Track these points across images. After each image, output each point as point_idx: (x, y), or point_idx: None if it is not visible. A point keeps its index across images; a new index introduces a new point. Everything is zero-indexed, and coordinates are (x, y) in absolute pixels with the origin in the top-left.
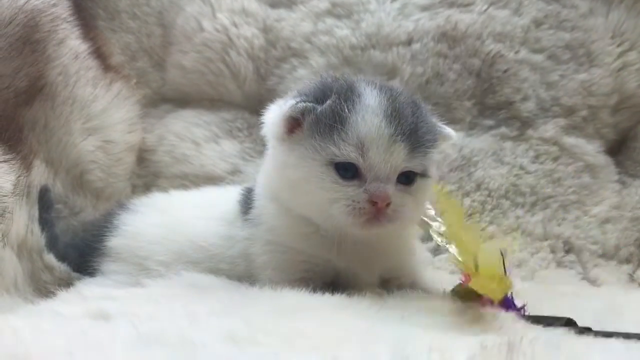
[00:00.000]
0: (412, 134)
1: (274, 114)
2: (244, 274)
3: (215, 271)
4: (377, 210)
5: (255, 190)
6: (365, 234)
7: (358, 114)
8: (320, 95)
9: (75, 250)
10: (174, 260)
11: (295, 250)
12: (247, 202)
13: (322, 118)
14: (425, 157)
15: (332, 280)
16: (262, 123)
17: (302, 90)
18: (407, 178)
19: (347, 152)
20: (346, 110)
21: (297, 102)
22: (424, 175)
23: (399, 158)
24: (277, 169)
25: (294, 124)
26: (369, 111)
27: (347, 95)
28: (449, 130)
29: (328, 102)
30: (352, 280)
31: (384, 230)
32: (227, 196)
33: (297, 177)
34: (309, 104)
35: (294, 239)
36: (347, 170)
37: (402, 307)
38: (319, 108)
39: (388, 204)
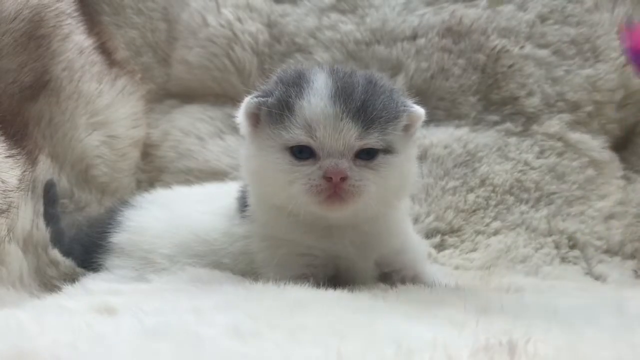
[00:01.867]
0: (362, 111)
1: (239, 113)
2: (246, 270)
3: (218, 265)
4: (334, 186)
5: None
6: (332, 213)
7: (304, 99)
8: (272, 88)
9: (80, 246)
10: (178, 254)
11: (290, 242)
12: (244, 199)
13: (273, 108)
14: (383, 133)
15: (333, 275)
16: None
17: (261, 87)
18: (368, 154)
19: (297, 135)
20: (293, 96)
21: (250, 99)
22: (388, 151)
23: (349, 135)
24: (243, 162)
25: (255, 119)
26: (315, 94)
27: (295, 83)
28: (415, 108)
29: (275, 92)
30: (350, 268)
31: (347, 208)
32: (228, 191)
33: (258, 166)
34: (260, 98)
35: (285, 230)
36: (302, 152)
37: (406, 302)
38: (269, 100)
39: (344, 179)
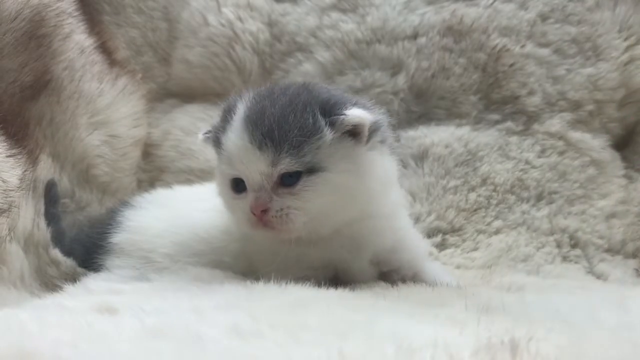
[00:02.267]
0: (269, 137)
1: None
2: (247, 270)
3: (219, 264)
4: (260, 219)
5: None
6: (278, 238)
7: (227, 132)
8: (221, 118)
9: (81, 246)
10: (178, 253)
11: (286, 250)
12: None
13: (212, 145)
14: (298, 154)
15: (333, 276)
16: None
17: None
18: (292, 177)
19: (226, 169)
20: (220, 131)
21: (200, 136)
22: (314, 171)
23: (261, 164)
24: None
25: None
26: (232, 127)
27: (224, 117)
28: (343, 116)
29: (215, 126)
30: (347, 270)
31: (284, 233)
32: None
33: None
34: (205, 135)
35: (276, 243)
36: (238, 185)
37: (407, 301)
38: (210, 136)
39: (265, 211)
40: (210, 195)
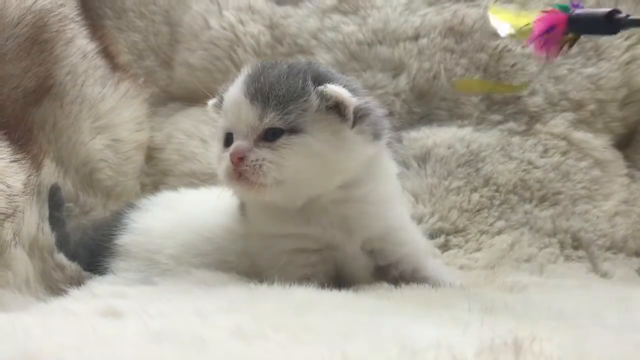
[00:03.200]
0: (260, 92)
1: None
2: (250, 270)
3: (223, 263)
4: (235, 167)
5: None
6: (248, 194)
7: (228, 91)
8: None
9: (86, 250)
10: (183, 253)
11: (280, 237)
12: None
13: (217, 107)
14: (283, 112)
15: (334, 276)
16: None
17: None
18: (274, 136)
19: (222, 123)
20: (225, 90)
21: (210, 102)
22: (294, 131)
23: (249, 116)
24: None
25: None
26: (234, 83)
27: (233, 81)
28: (328, 87)
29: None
30: (342, 259)
31: (254, 187)
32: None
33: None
34: (212, 101)
35: (270, 223)
36: (229, 140)
37: (410, 302)
38: (216, 101)
39: (241, 159)
40: (214, 197)
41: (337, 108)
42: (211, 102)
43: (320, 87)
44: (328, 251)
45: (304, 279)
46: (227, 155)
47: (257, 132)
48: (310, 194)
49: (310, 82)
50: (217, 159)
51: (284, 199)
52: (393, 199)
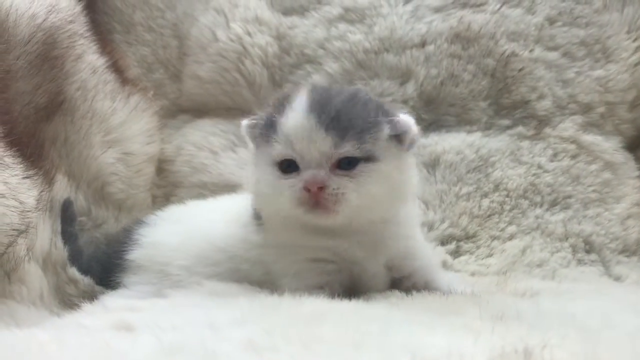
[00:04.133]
0: (336, 120)
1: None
2: (263, 279)
3: (236, 272)
4: (314, 196)
5: None
6: (321, 222)
7: (286, 116)
8: (265, 112)
9: (99, 264)
10: (195, 264)
11: (303, 248)
12: None
13: (263, 129)
14: (360, 141)
15: (349, 285)
16: None
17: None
18: (349, 164)
19: (279, 150)
20: (276, 116)
21: (244, 122)
22: (370, 160)
23: (325, 144)
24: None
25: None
26: (294, 111)
27: (280, 103)
28: (400, 117)
29: (263, 114)
30: (362, 274)
31: (332, 216)
32: (241, 200)
33: (254, 181)
34: (251, 121)
35: (296, 234)
36: (289, 167)
37: (422, 310)
38: (258, 122)
39: (321, 188)
40: (223, 207)
41: (398, 136)
42: (246, 122)
43: (394, 119)
44: (347, 264)
45: (318, 287)
46: (293, 182)
47: (332, 160)
48: (375, 218)
49: (380, 113)
50: (272, 185)
51: (347, 224)
52: (415, 215)
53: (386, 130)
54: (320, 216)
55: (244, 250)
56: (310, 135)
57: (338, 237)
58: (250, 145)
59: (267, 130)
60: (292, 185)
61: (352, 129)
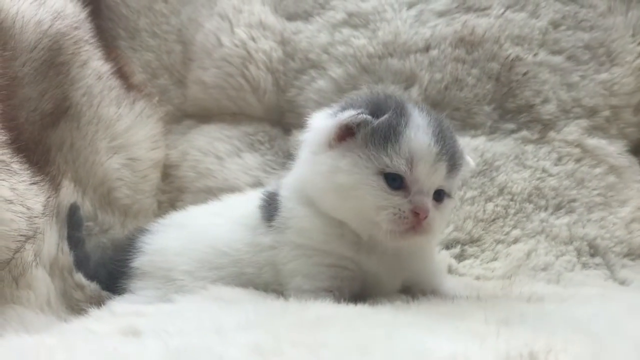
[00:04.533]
0: (452, 155)
1: (326, 121)
2: (270, 280)
3: (240, 275)
4: (416, 221)
5: (281, 194)
6: (400, 244)
7: (411, 130)
8: (375, 109)
9: (105, 270)
10: (198, 269)
11: (324, 253)
12: (270, 208)
13: (378, 130)
14: (456, 178)
15: (359, 291)
16: (299, 131)
17: (354, 102)
18: (438, 195)
19: (398, 164)
20: (400, 125)
21: (358, 113)
22: (448, 195)
23: (440, 175)
24: (324, 173)
25: (346, 133)
26: (420, 129)
27: (401, 112)
28: (469, 158)
29: (385, 116)
30: (376, 284)
31: (417, 242)
32: (245, 200)
33: (347, 183)
34: (367, 116)
35: (323, 239)
36: (394, 181)
37: (427, 314)
38: (376, 121)
39: (426, 217)
40: (227, 208)
41: None
42: (354, 113)
43: (467, 158)
44: (364, 274)
45: (328, 291)
46: (400, 202)
47: (434, 189)
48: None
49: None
50: (378, 197)
51: (405, 247)
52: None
53: (464, 169)
54: (408, 239)
55: (252, 254)
56: (433, 163)
57: (367, 251)
58: (322, 136)
59: (386, 135)
60: (399, 203)
61: (457, 165)
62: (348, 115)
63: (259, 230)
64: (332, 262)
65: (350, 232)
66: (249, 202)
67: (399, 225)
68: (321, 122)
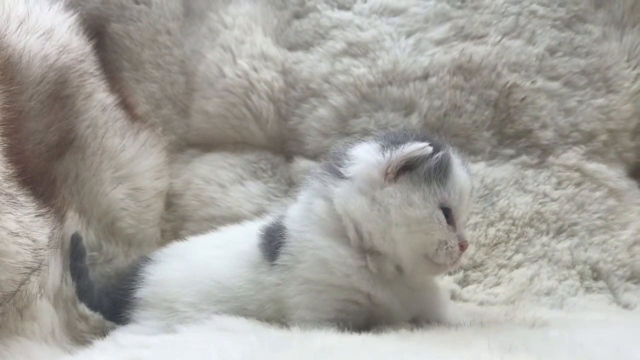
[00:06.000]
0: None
1: (380, 154)
2: (273, 316)
3: (242, 311)
4: (460, 254)
5: (290, 227)
6: (430, 277)
7: (457, 167)
8: (431, 144)
9: (108, 299)
10: (201, 301)
11: (338, 288)
12: (271, 246)
13: (438, 165)
14: None
15: (364, 324)
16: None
17: (398, 138)
18: None
19: (453, 199)
20: (452, 163)
21: (425, 147)
22: None
23: (469, 209)
24: (395, 206)
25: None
26: (460, 167)
27: (445, 150)
28: None
29: (440, 153)
30: (384, 318)
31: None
32: (246, 234)
33: (420, 216)
34: (426, 149)
35: (344, 272)
36: (447, 216)
37: (431, 343)
38: (437, 156)
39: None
40: (228, 241)
41: None
42: (424, 146)
43: None
44: (373, 307)
45: (333, 321)
46: (453, 236)
47: None
48: None
49: None
50: (443, 232)
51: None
52: None
53: None
54: (442, 271)
55: (254, 291)
56: (470, 199)
57: (383, 285)
58: (378, 169)
59: (441, 171)
60: (453, 237)
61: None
62: (415, 148)
63: (262, 269)
64: (344, 297)
65: (373, 265)
66: (249, 236)
67: (451, 259)
68: (373, 156)
